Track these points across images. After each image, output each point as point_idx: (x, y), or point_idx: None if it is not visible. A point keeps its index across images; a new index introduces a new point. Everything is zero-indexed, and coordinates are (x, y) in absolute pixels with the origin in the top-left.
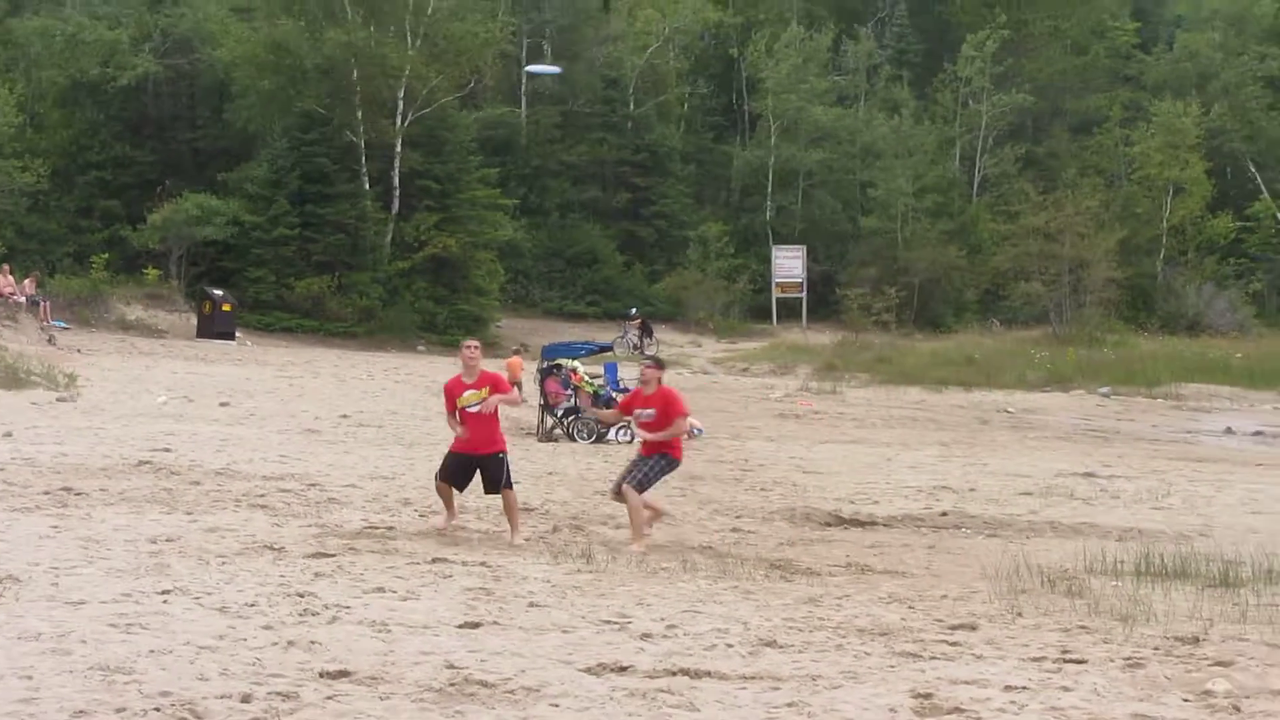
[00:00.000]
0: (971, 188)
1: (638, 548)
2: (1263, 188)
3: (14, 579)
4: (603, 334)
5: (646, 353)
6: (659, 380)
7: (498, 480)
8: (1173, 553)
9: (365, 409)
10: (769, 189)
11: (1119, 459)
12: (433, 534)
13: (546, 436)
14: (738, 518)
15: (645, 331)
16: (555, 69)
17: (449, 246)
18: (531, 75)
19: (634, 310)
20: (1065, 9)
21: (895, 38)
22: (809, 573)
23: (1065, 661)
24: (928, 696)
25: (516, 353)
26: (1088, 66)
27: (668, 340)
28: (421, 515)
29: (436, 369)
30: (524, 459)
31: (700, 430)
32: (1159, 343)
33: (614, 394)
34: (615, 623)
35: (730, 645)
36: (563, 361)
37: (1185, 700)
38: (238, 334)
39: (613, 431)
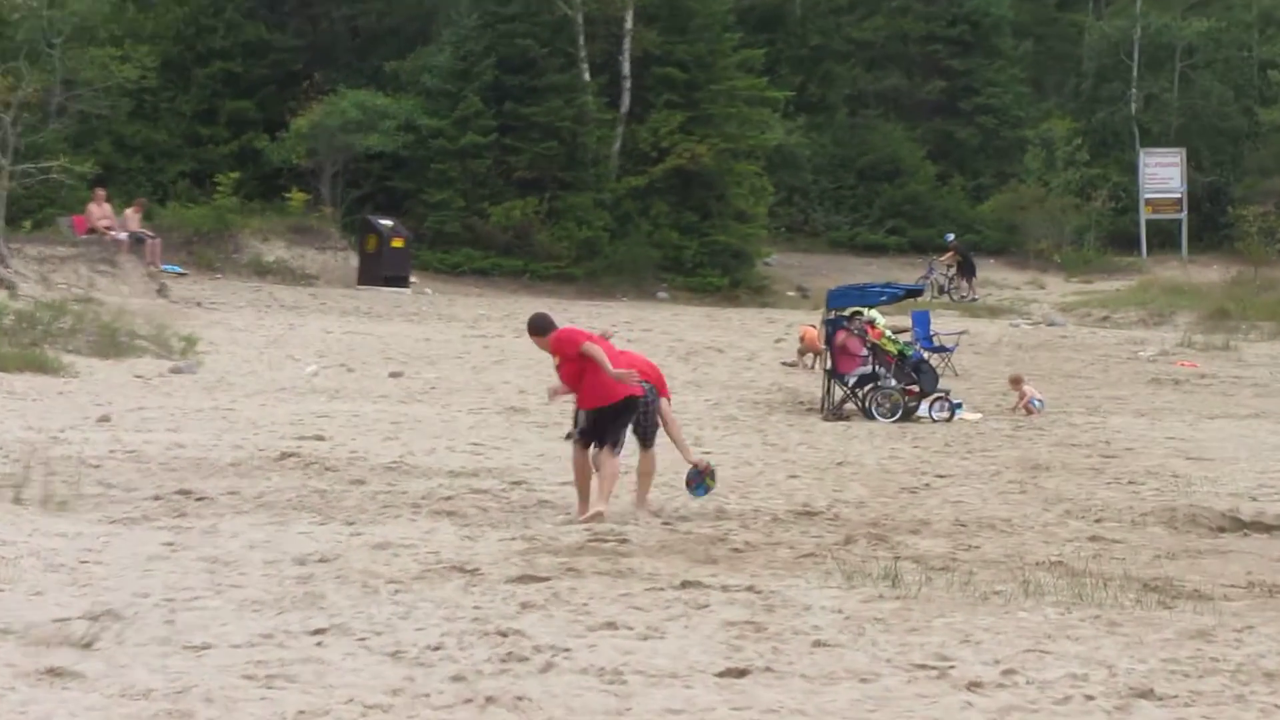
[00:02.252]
0: None
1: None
2: None
3: (115, 615)
4: (908, 273)
5: (964, 296)
6: None
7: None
8: None
9: None
10: (1134, 72)
11: None
12: (681, 547)
13: (834, 413)
14: (1097, 521)
15: (964, 269)
16: None
17: (699, 156)
18: None
19: (950, 237)
20: None
21: None
22: (1196, 596)
23: None
24: None
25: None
26: None
27: (996, 279)
28: (667, 524)
29: (684, 323)
30: (804, 444)
31: (1040, 401)
32: None
33: (925, 354)
34: (933, 668)
35: (1090, 697)
36: (856, 311)
37: None
38: (413, 279)
39: (924, 406)
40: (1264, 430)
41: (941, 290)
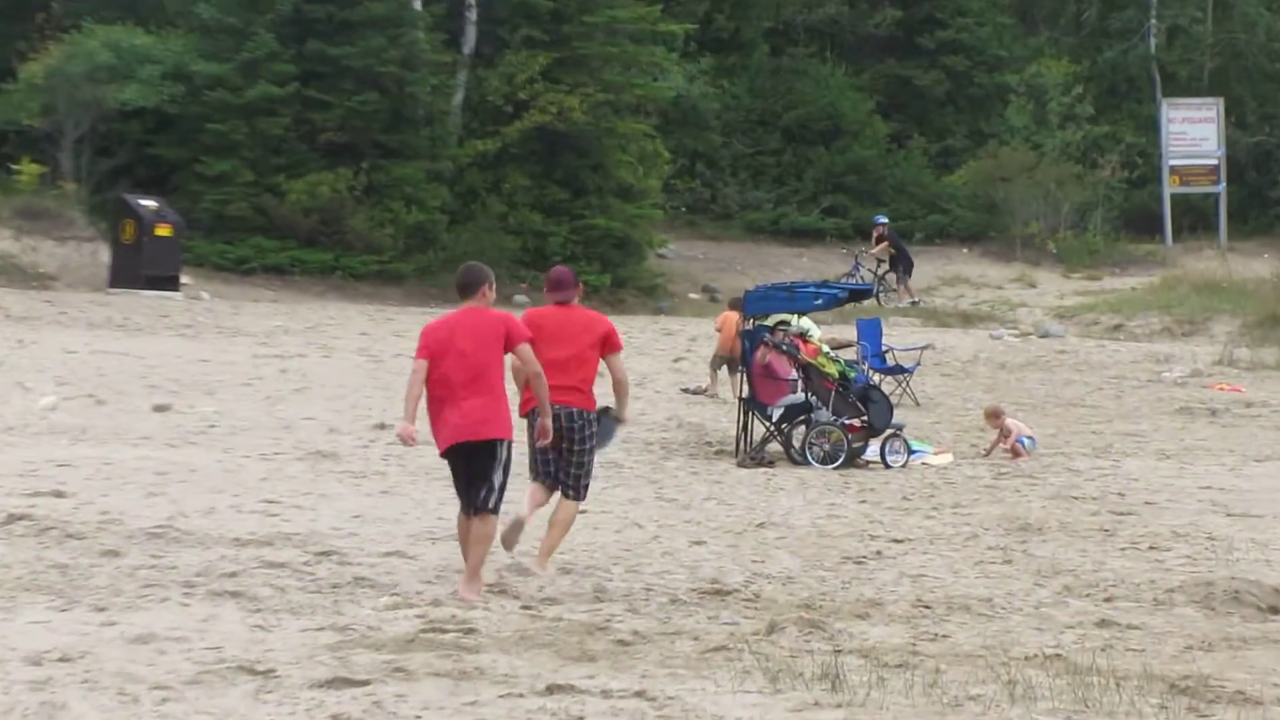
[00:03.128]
0: None
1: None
2: None
3: None
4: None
5: (904, 300)
6: None
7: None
8: None
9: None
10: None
11: None
12: (548, 639)
13: (754, 457)
14: (1107, 601)
15: (898, 262)
16: None
17: (569, 112)
18: None
19: (881, 220)
20: None
21: None
22: (1241, 700)
23: None
24: None
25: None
26: None
27: (970, 276)
28: (527, 607)
29: None
30: (713, 499)
31: (1030, 440)
32: None
33: (876, 377)
34: None
35: None
36: (782, 320)
37: None
38: (185, 279)
39: (874, 446)
40: None
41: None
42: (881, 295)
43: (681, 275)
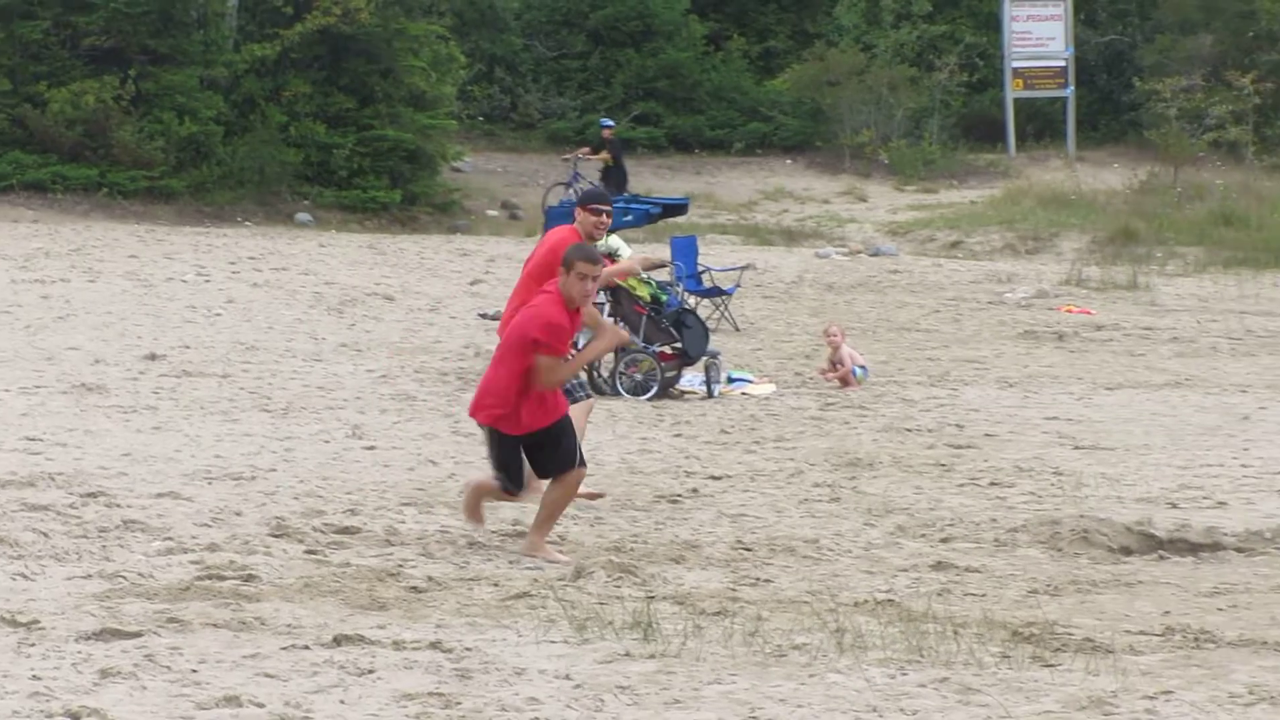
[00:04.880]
0: None
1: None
2: None
3: None
4: (671, 181)
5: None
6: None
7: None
8: None
9: (195, 341)
10: None
11: None
12: (334, 586)
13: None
14: (944, 542)
15: (613, 175)
16: None
17: (355, 13)
18: None
19: (608, 124)
20: None
21: None
22: (1089, 648)
23: None
24: None
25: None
26: None
27: (794, 189)
28: (310, 551)
29: (335, 258)
30: None
31: (862, 369)
32: None
33: (691, 300)
34: None
35: None
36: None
37: None
38: None
39: (689, 375)
40: (1188, 405)
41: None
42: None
43: (479, 190)
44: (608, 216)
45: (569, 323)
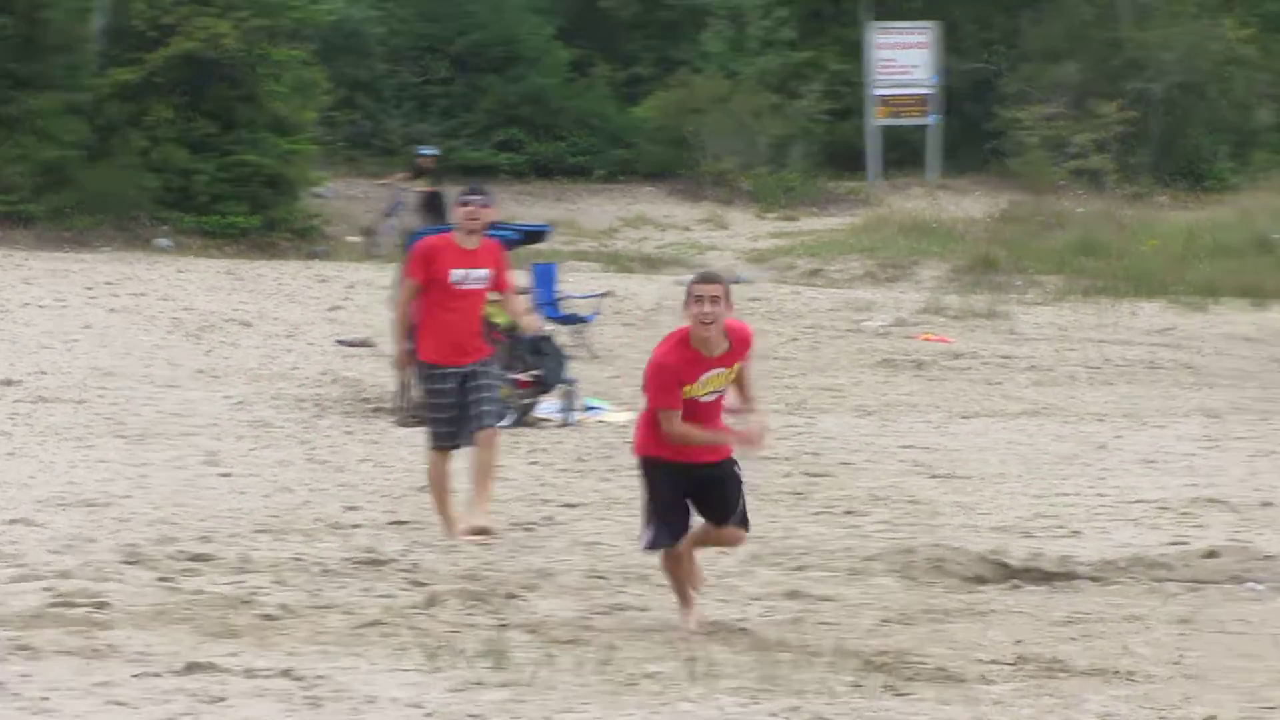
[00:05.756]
0: None
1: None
2: None
3: None
4: (533, 207)
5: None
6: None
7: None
8: None
9: (51, 366)
10: None
11: None
12: (186, 613)
13: (415, 415)
14: (797, 569)
15: (432, 205)
16: None
17: (220, 37)
18: None
19: (425, 151)
20: None
21: None
22: (942, 677)
23: None
24: None
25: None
26: None
27: (655, 216)
28: (163, 578)
29: (194, 283)
30: (370, 460)
31: None
32: None
33: (550, 325)
34: None
35: None
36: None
37: None
38: None
39: (546, 403)
40: (1044, 434)
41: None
42: (381, 239)
43: (340, 216)
44: (477, 206)
45: (678, 359)
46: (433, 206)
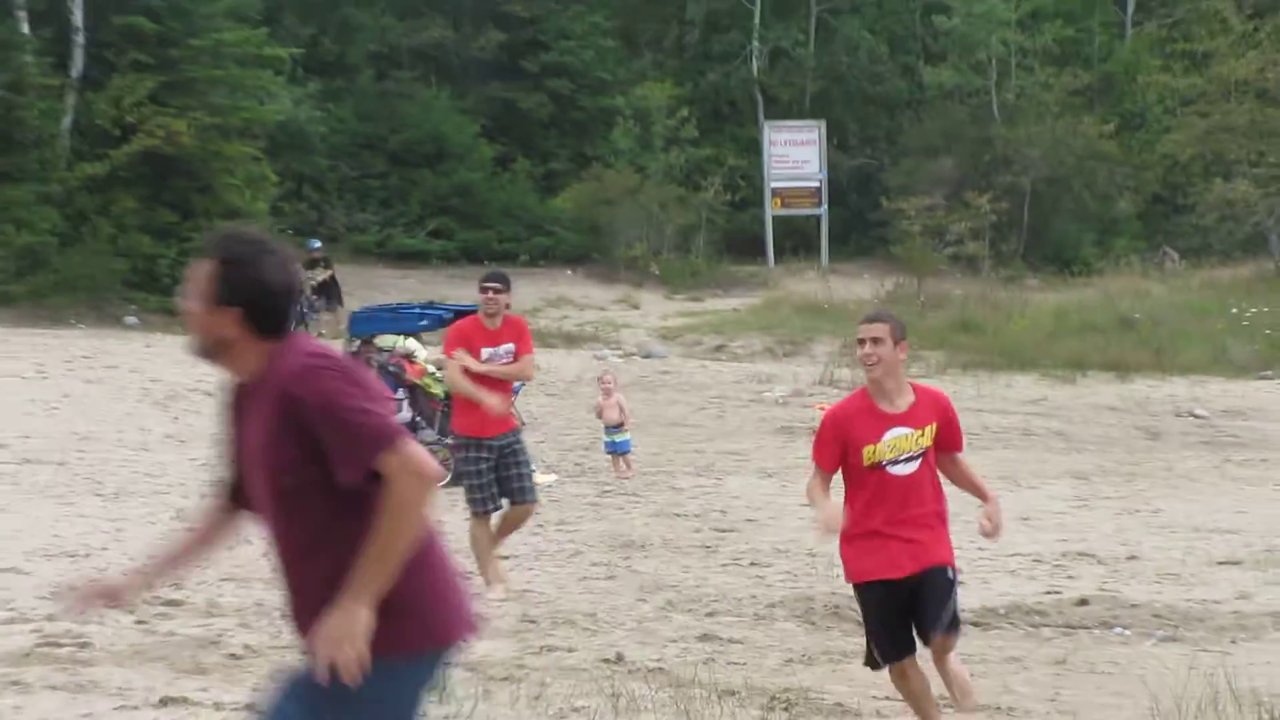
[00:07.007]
0: (1124, 11)
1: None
2: None
3: None
4: (462, 289)
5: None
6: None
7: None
8: None
9: (32, 433)
10: (756, 19)
11: None
12: (161, 652)
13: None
14: (709, 615)
15: (328, 290)
16: None
17: (177, 135)
18: None
19: (315, 245)
20: None
21: None
22: (840, 712)
23: None
24: None
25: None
26: None
27: (575, 297)
28: (140, 621)
29: (161, 357)
30: None
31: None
32: None
33: None
34: None
35: None
36: (385, 341)
37: None
38: None
39: None
40: None
41: (301, 319)
42: (312, 323)
43: None
44: (494, 292)
45: (852, 408)
46: (329, 292)
